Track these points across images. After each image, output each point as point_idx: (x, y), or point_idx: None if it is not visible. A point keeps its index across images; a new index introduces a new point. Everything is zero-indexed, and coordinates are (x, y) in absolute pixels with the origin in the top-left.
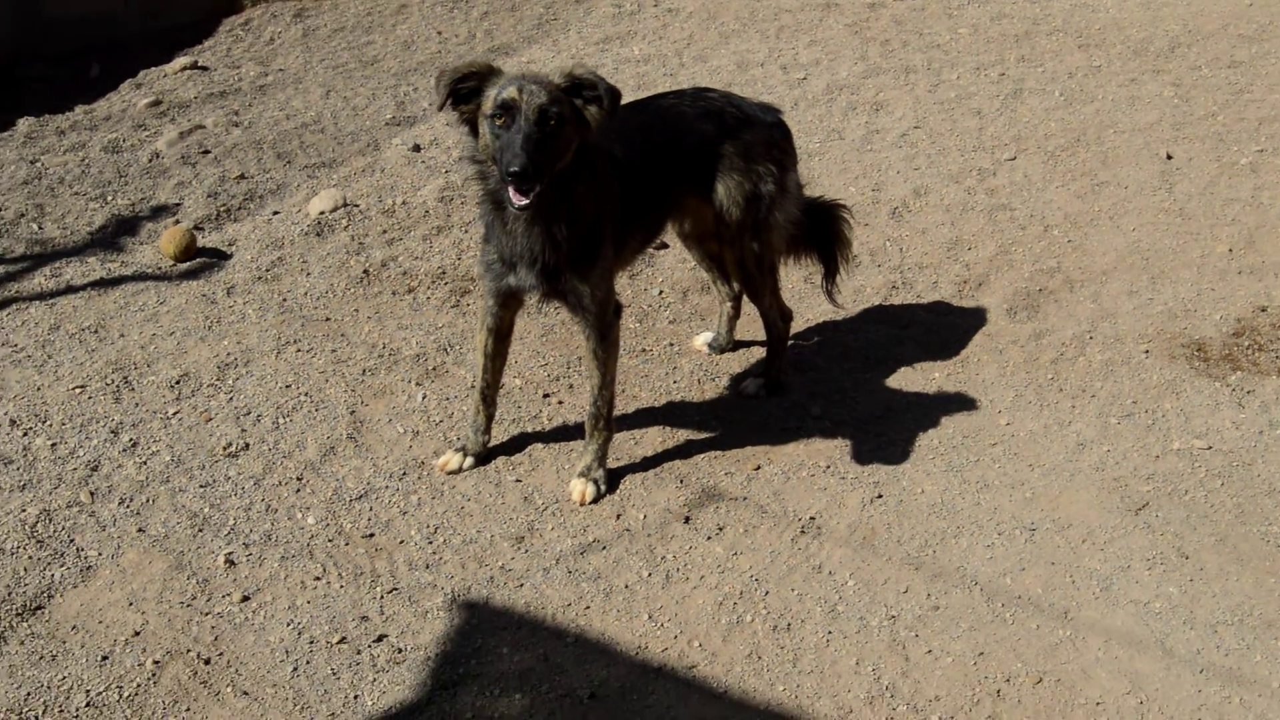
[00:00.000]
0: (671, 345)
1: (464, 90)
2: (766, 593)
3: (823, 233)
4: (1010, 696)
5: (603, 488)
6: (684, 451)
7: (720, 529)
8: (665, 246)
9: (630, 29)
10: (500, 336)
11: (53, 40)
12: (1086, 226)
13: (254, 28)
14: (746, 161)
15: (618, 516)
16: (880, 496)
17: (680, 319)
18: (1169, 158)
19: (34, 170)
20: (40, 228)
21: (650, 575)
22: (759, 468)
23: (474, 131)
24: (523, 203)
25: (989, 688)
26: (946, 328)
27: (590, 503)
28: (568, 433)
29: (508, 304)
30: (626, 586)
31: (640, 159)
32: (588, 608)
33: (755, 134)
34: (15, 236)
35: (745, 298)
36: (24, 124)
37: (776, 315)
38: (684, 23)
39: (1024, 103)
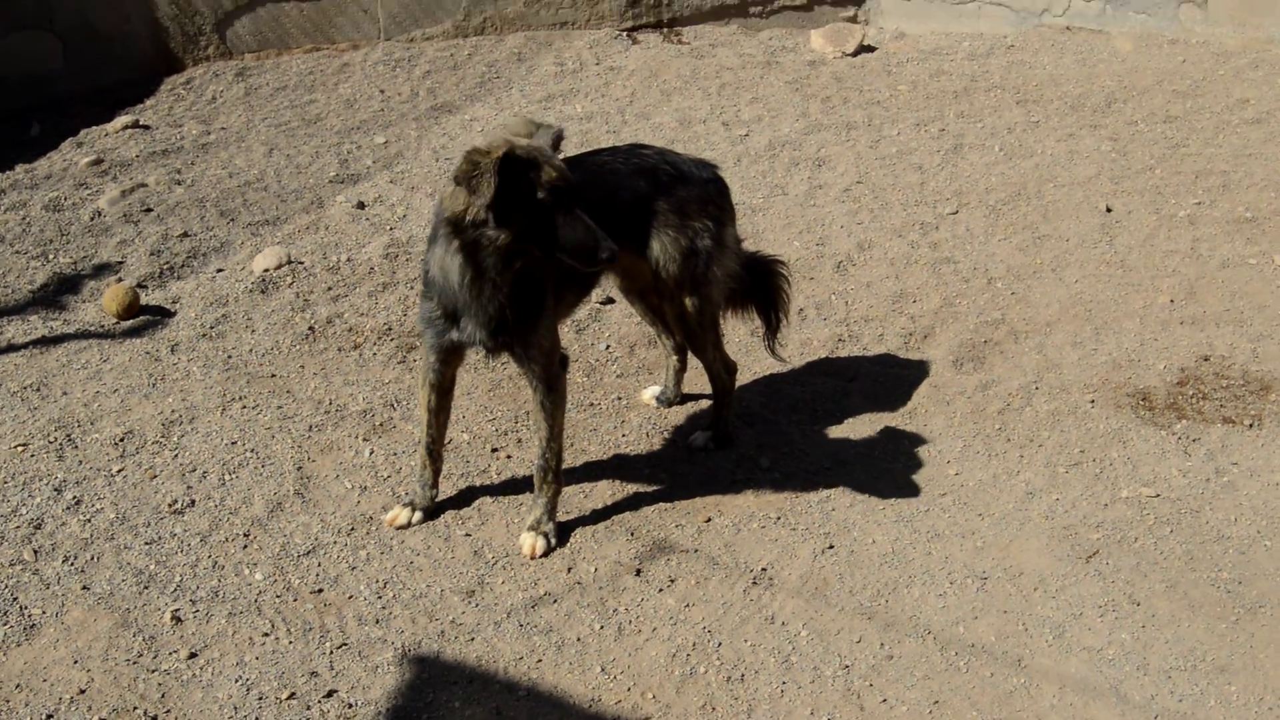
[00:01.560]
0: (619, 399)
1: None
2: (719, 644)
3: (762, 288)
4: None
5: (553, 541)
6: (634, 504)
7: (672, 581)
8: (611, 301)
9: (573, 87)
10: (443, 391)
11: None
12: (1029, 279)
13: (195, 86)
14: (681, 218)
15: (569, 570)
16: (831, 547)
17: (628, 373)
18: (1109, 210)
19: None
20: None
21: (602, 628)
22: (709, 520)
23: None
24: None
25: None
26: (893, 380)
27: (540, 556)
28: (516, 486)
29: (450, 359)
30: (578, 639)
31: None
32: (539, 661)
33: (690, 190)
34: None
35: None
36: None
37: (721, 368)
38: (626, 80)
39: (964, 158)
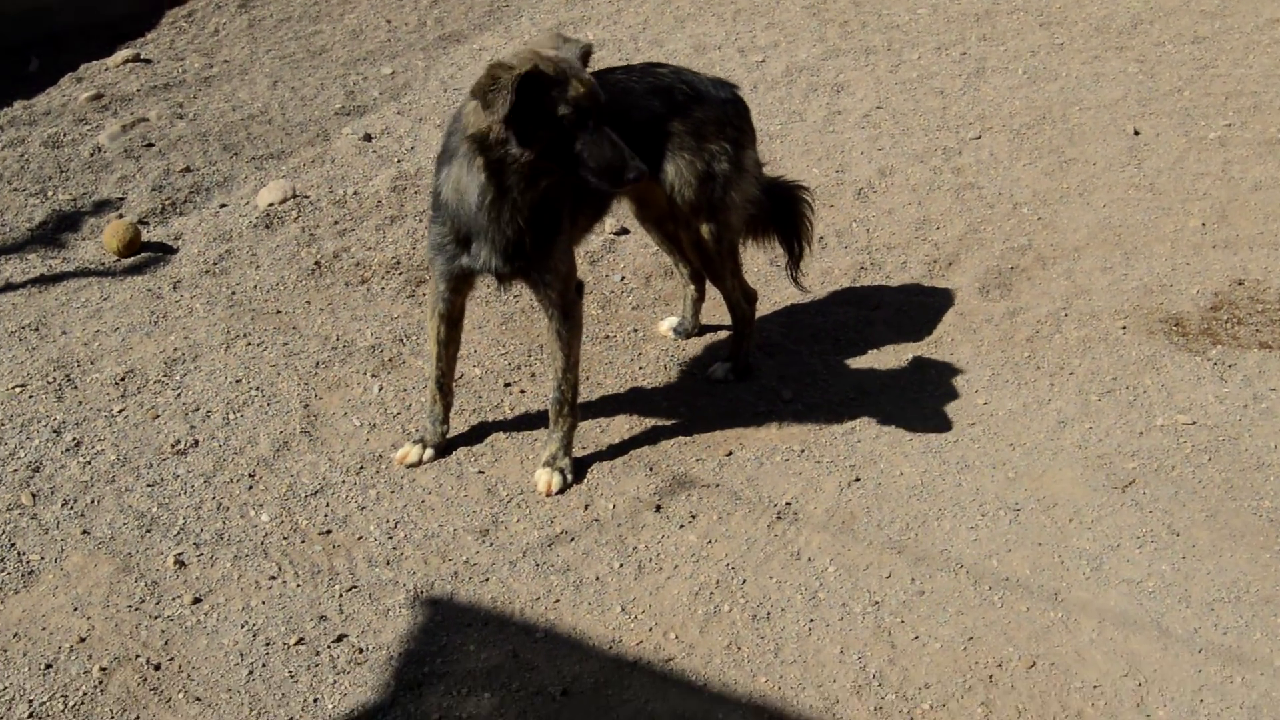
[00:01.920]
0: (636, 331)
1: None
2: (744, 581)
3: (784, 215)
4: (1003, 682)
5: (569, 477)
6: (652, 438)
7: (693, 517)
8: (626, 232)
9: (584, 14)
10: (452, 322)
11: None
12: (1056, 204)
13: (198, 19)
14: (698, 140)
15: (585, 507)
16: (858, 480)
17: (644, 304)
18: (1136, 134)
19: None
20: None
21: (622, 566)
22: (731, 453)
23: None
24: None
25: (980, 673)
26: (917, 308)
27: (556, 493)
28: (531, 422)
29: (460, 287)
30: (597, 578)
31: None
32: (557, 601)
33: (707, 111)
34: None
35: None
36: None
37: (740, 297)
38: (638, 7)
39: (987, 81)
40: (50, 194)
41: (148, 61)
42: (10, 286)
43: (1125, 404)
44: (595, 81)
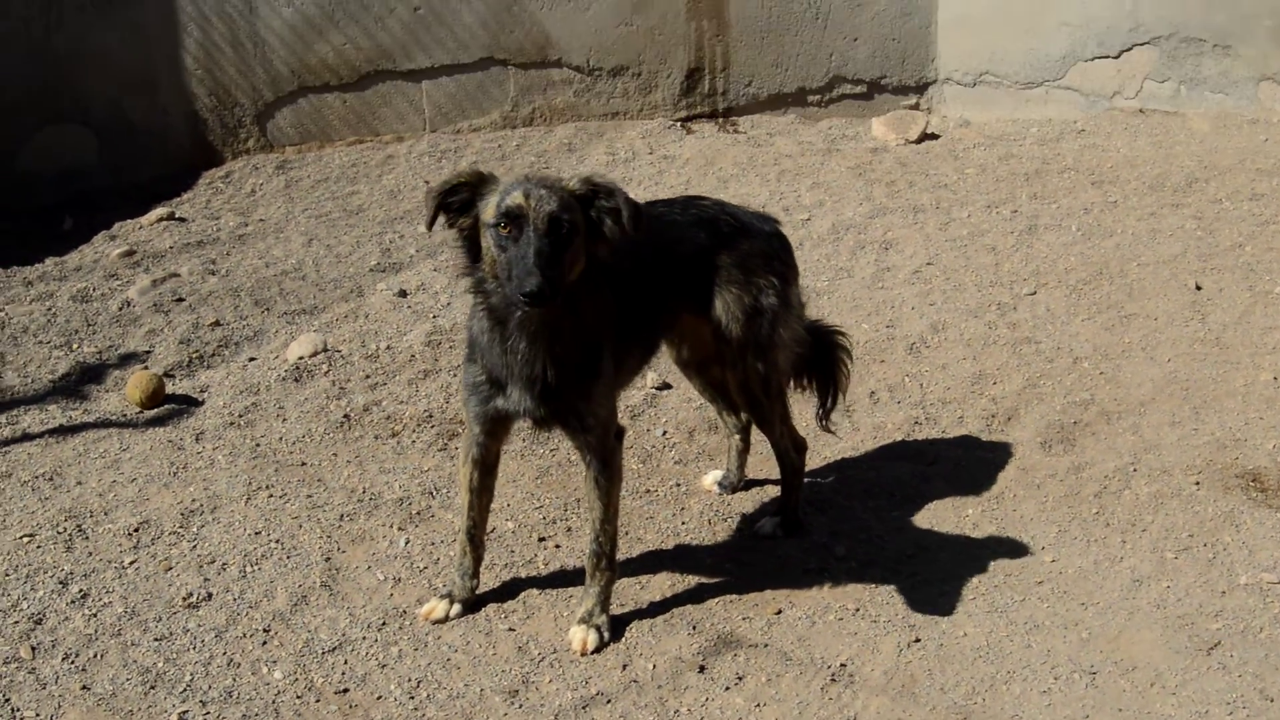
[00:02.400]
0: (678, 485)
1: (456, 203)
2: None
3: (821, 359)
4: None
5: (606, 635)
6: (695, 596)
7: (740, 679)
8: (668, 386)
9: (625, 175)
10: (486, 469)
11: (23, 194)
12: (1118, 358)
13: (235, 180)
14: (745, 273)
15: (624, 667)
16: (918, 640)
17: (687, 459)
18: (1198, 288)
19: None
20: None
21: None
22: (780, 612)
23: (472, 249)
24: (534, 309)
25: None
26: (976, 463)
27: (592, 652)
28: (565, 578)
29: (495, 432)
30: None
31: (632, 269)
32: None
33: (753, 243)
34: None
35: (755, 429)
36: None
37: (789, 445)
38: (680, 168)
39: (1040, 238)
40: (75, 346)
41: (182, 220)
42: (28, 437)
43: (1204, 562)
44: (531, 191)
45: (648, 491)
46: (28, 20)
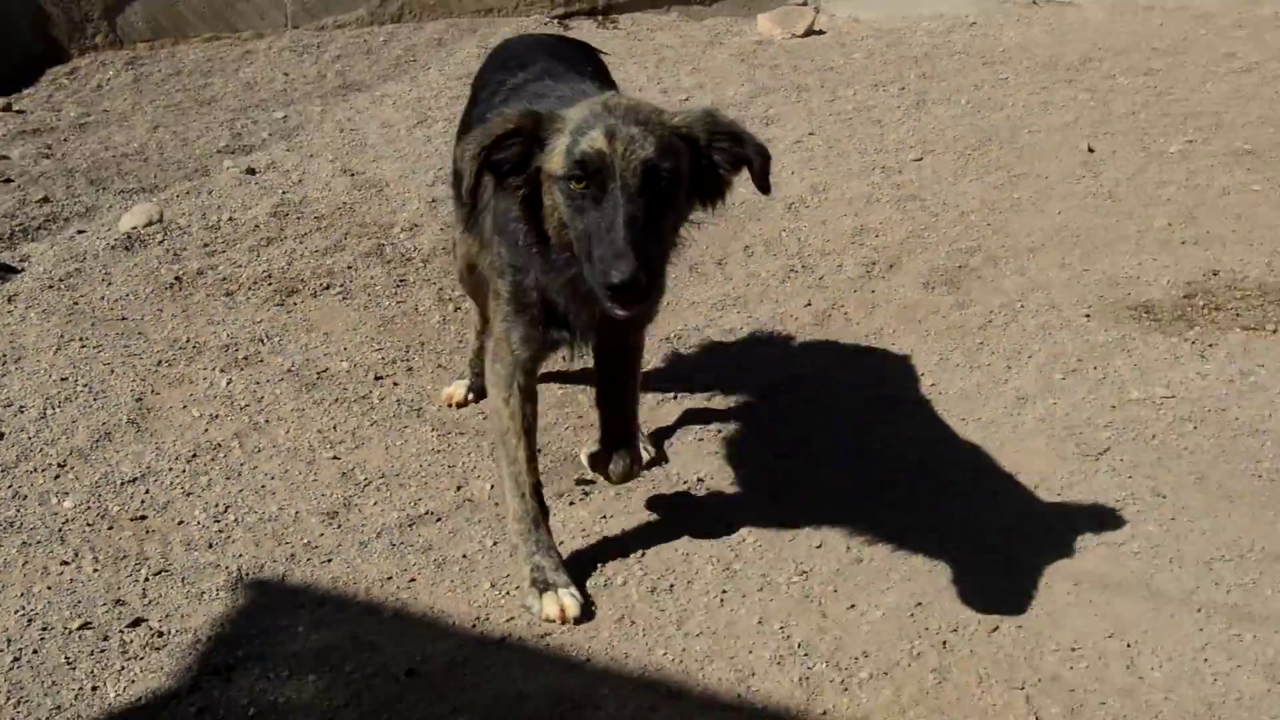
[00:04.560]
0: None
1: (507, 159)
2: (643, 554)
3: None
4: (960, 647)
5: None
6: (542, 417)
7: (586, 494)
8: None
9: None
10: (533, 400)
11: None
12: (1007, 212)
13: (81, 76)
14: None
15: (458, 488)
16: (784, 454)
17: None
18: (1091, 151)
19: None
20: None
21: (496, 545)
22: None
23: (532, 214)
24: (625, 314)
25: (932, 639)
26: (853, 304)
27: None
28: (401, 413)
29: (542, 357)
30: (464, 556)
31: None
32: (413, 580)
33: None
34: None
35: None
36: None
37: None
38: None
39: (928, 112)
40: None
41: (20, 113)
42: None
43: (1094, 381)
44: (617, 130)
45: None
46: None
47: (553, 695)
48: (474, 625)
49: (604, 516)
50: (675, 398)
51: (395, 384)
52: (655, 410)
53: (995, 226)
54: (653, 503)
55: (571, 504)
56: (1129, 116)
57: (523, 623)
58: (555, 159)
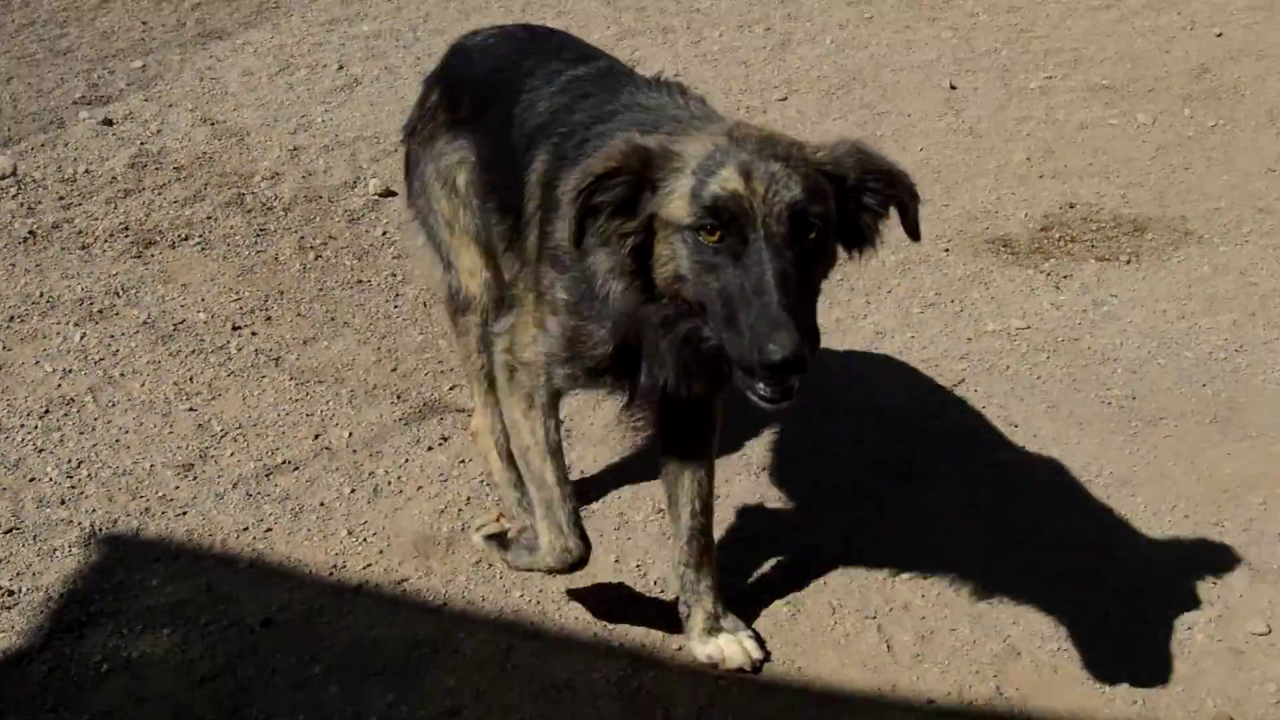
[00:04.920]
0: (394, 276)
1: (609, 201)
2: (500, 498)
3: None
4: (813, 577)
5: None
6: (402, 371)
7: (444, 439)
8: (393, 194)
9: (360, 10)
10: (556, 414)
11: None
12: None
13: None
14: None
15: (316, 437)
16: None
17: (405, 255)
18: (953, 88)
19: None
20: None
21: (354, 491)
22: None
23: (640, 263)
24: (782, 405)
25: (786, 570)
26: None
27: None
28: (259, 365)
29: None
30: (322, 504)
31: None
32: (269, 530)
33: None
34: None
35: None
36: None
37: None
38: (420, 2)
39: (793, 52)
40: None
41: None
42: None
43: (951, 315)
44: (755, 168)
45: (360, 282)
46: None
47: (409, 640)
48: (331, 573)
49: (461, 461)
50: None
51: (254, 334)
52: None
53: None
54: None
55: (429, 449)
56: (991, 54)
57: (380, 569)
58: (676, 205)
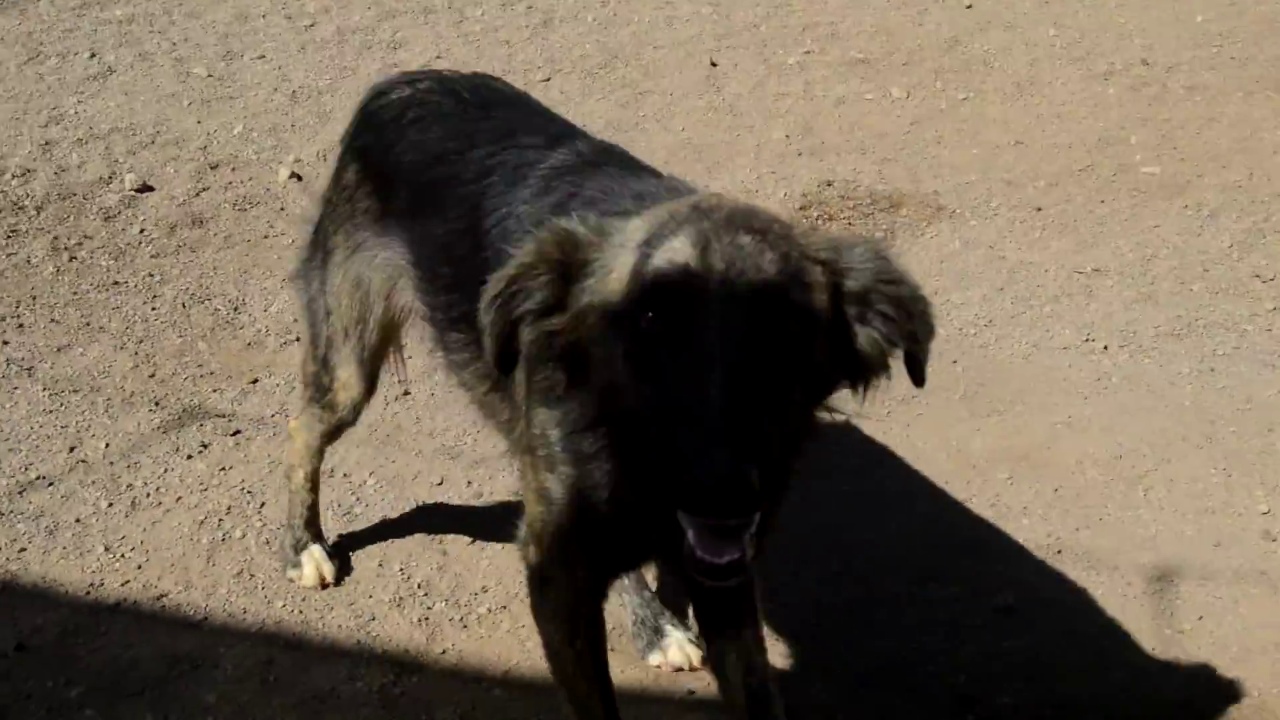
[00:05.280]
0: (151, 276)
1: (532, 307)
2: (263, 505)
3: None
4: None
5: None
6: (158, 374)
7: (205, 447)
8: (150, 189)
9: None
10: (601, 625)
11: None
12: (631, 130)
13: None
14: None
15: (71, 449)
16: (407, 393)
17: (164, 253)
18: (714, 65)
19: None
20: None
21: (111, 505)
22: (256, 381)
23: (574, 368)
24: (726, 559)
25: None
26: None
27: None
28: (10, 375)
29: (617, 576)
30: (78, 521)
31: None
32: (23, 550)
33: None
34: None
35: None
36: None
37: None
38: None
39: (555, 31)
40: None
41: None
42: None
43: None
44: (711, 241)
45: (116, 284)
46: None
47: (168, 657)
48: (88, 592)
49: (222, 469)
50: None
51: (4, 343)
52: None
53: (621, 144)
54: (269, 451)
55: (189, 458)
56: (750, 29)
57: (138, 585)
58: (613, 284)
